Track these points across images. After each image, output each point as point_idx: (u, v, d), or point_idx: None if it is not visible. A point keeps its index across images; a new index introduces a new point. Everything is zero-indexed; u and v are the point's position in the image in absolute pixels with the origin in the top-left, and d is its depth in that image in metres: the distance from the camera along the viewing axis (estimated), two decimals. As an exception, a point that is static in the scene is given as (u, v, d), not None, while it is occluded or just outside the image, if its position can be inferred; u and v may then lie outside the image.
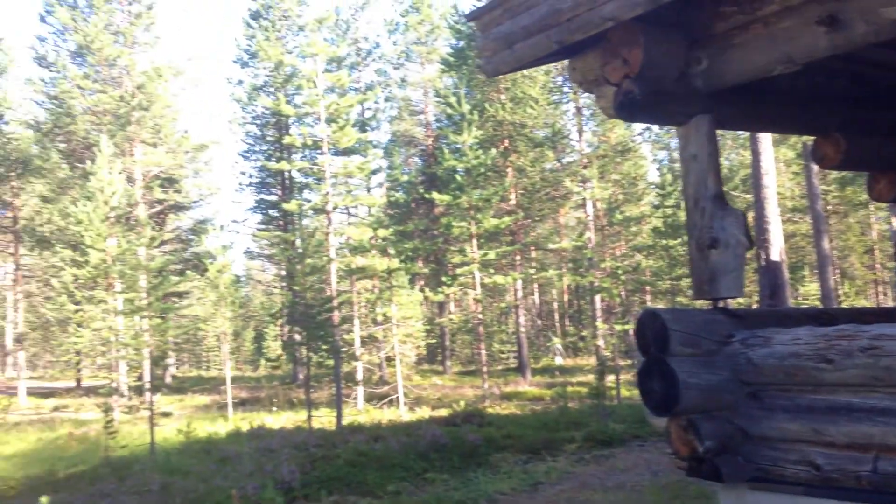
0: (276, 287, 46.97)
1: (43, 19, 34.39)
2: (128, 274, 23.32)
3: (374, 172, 28.21)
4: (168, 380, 37.90)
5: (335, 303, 21.03)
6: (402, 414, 21.15)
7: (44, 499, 9.06)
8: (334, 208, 24.90)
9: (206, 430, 18.43)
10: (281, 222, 38.15)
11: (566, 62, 3.99)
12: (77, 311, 25.30)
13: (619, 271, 23.31)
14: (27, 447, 18.52)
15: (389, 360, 28.29)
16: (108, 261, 23.66)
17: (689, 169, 3.56)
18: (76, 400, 31.68)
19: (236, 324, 46.77)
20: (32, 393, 34.41)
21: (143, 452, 15.17)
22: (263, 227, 39.47)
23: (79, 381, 39.10)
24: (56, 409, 28.93)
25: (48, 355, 59.43)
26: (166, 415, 21.71)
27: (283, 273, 40.52)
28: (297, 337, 25.43)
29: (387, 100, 41.79)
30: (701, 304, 3.72)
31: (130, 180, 30.12)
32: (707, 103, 3.55)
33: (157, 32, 34.44)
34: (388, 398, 23.37)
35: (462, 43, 34.68)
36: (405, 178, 33.33)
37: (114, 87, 32.07)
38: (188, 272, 31.95)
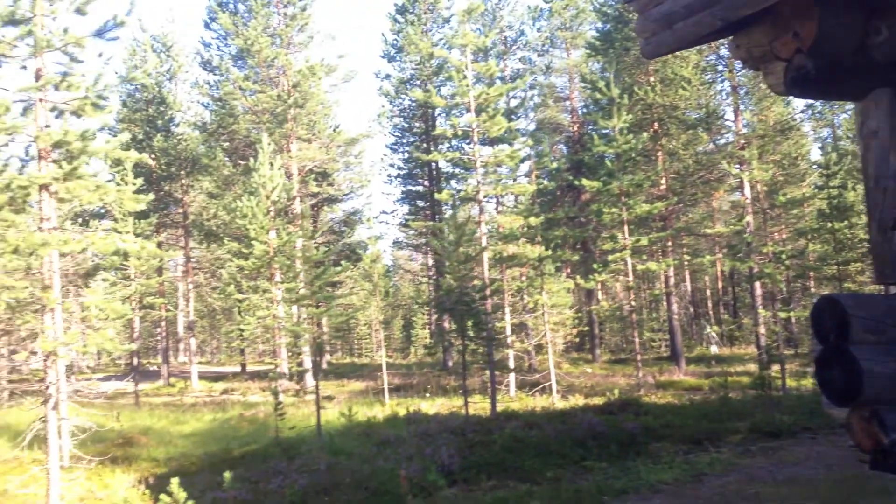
0: (423, 277, 47.91)
1: (207, 26, 36.63)
2: (288, 265, 24.47)
3: (522, 160, 28.21)
4: (324, 366, 39.52)
5: (488, 291, 21.22)
6: (555, 401, 21.14)
7: (227, 474, 9.71)
8: (485, 197, 25.10)
9: (365, 415, 19.14)
10: (428, 212, 38.86)
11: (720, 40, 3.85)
12: (242, 300, 26.78)
13: (783, 256, 22.16)
14: (203, 427, 19.93)
15: (539, 347, 28.28)
16: (270, 252, 24.95)
17: (868, 146, 3.37)
18: (242, 383, 33.71)
19: (386, 312, 48.13)
20: (203, 377, 36.85)
21: (308, 434, 15.95)
22: (411, 217, 40.34)
23: (244, 365, 41.59)
24: (225, 391, 30.90)
25: (215, 342, 63.62)
26: (329, 399, 22.69)
27: (431, 262, 41.24)
28: (447, 325, 25.83)
29: (531, 87, 41.69)
30: (872, 288, 3.51)
31: (288, 175, 31.49)
32: (887, 75, 3.34)
33: (311, 32, 35.64)
34: (540, 385, 23.41)
35: (608, 26, 34.01)
36: (553, 165, 33.06)
37: (272, 87, 33.59)
38: (343, 262, 33.08)
